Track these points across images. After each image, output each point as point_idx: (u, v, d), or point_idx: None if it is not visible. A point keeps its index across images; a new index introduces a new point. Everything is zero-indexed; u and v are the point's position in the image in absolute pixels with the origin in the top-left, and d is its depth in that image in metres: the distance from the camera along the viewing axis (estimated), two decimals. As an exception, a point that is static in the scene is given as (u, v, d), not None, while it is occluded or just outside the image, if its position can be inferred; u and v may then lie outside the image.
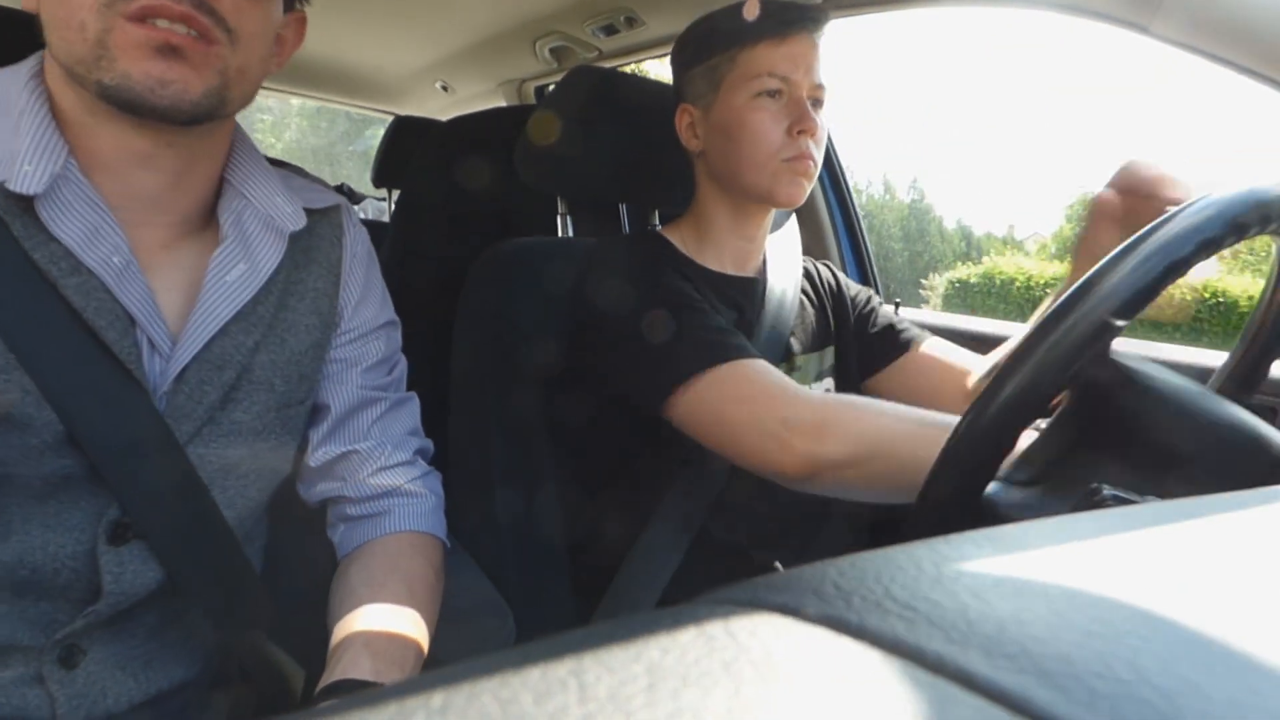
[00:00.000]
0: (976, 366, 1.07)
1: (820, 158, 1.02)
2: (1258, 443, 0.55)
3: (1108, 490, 0.51)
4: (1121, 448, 0.57)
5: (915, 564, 0.25)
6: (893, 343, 1.15)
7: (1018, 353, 0.54)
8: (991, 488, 0.59)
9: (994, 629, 0.21)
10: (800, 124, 0.98)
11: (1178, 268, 0.52)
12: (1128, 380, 0.56)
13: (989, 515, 0.57)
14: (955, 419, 0.60)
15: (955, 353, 1.12)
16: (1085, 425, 0.59)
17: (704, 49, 1.04)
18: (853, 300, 1.20)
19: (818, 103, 1.01)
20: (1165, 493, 0.54)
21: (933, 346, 1.14)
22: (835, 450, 0.80)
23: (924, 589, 0.23)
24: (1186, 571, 0.26)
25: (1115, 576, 0.26)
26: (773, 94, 0.99)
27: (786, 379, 0.88)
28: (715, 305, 1.03)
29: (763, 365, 0.89)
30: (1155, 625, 0.22)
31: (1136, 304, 0.52)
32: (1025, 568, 0.26)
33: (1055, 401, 0.57)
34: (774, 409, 0.84)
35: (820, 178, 1.64)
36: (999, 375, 0.54)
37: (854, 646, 0.20)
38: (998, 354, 1.01)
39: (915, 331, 1.16)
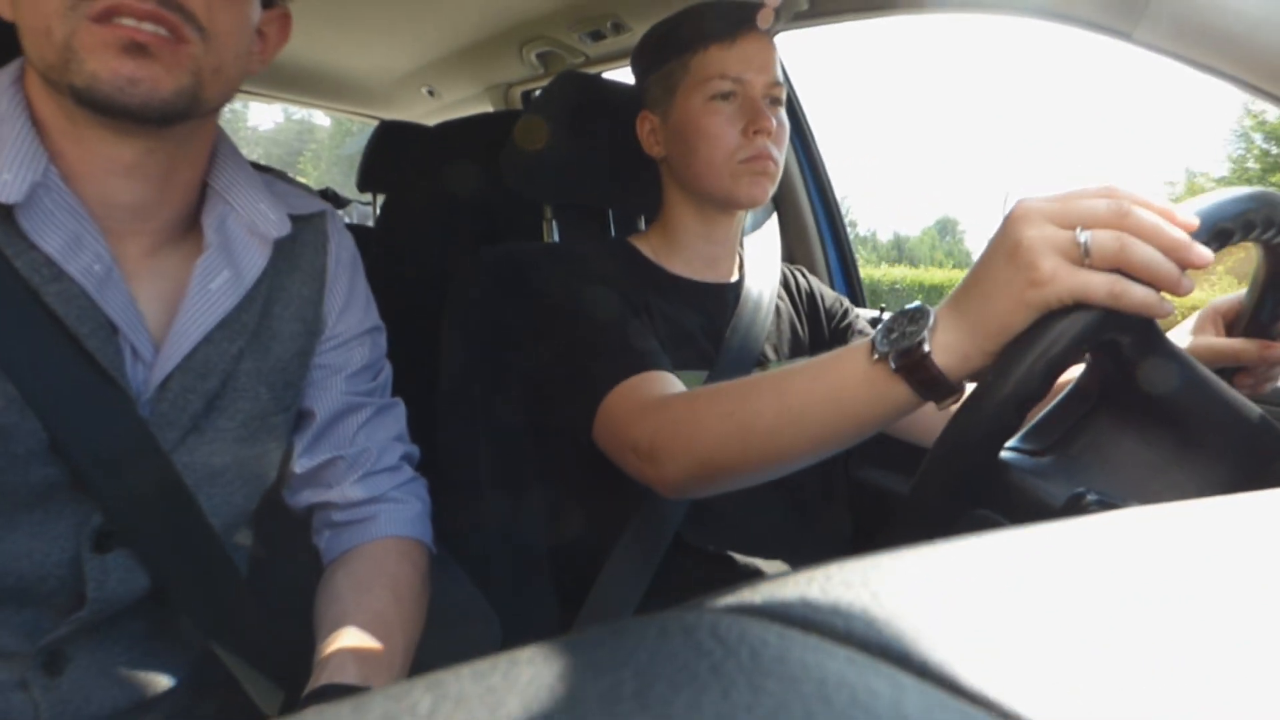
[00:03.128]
0: None
1: (781, 156, 1.01)
2: (1274, 433, 0.55)
3: (1092, 496, 0.52)
4: (1138, 418, 0.57)
5: (902, 570, 0.25)
6: None
7: (999, 365, 0.54)
8: (1006, 454, 0.58)
9: (979, 635, 0.21)
10: (755, 124, 0.97)
11: None
12: (1150, 349, 0.55)
13: (1002, 480, 0.56)
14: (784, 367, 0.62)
15: None
16: (1104, 393, 0.59)
17: (658, 56, 1.04)
18: (828, 310, 1.18)
19: (776, 101, 1.00)
20: (1172, 469, 0.55)
21: None
22: (674, 472, 0.76)
23: (910, 595, 0.23)
24: (1173, 579, 0.27)
25: (1100, 583, 0.26)
26: (726, 96, 0.98)
27: (655, 383, 0.84)
28: (680, 311, 1.03)
29: (635, 381, 0.85)
30: (1142, 632, 0.22)
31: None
32: (1010, 574, 0.26)
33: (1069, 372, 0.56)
34: (626, 435, 0.81)
35: (805, 180, 1.64)
36: (980, 389, 0.54)
37: (841, 652, 0.20)
38: None
39: None
